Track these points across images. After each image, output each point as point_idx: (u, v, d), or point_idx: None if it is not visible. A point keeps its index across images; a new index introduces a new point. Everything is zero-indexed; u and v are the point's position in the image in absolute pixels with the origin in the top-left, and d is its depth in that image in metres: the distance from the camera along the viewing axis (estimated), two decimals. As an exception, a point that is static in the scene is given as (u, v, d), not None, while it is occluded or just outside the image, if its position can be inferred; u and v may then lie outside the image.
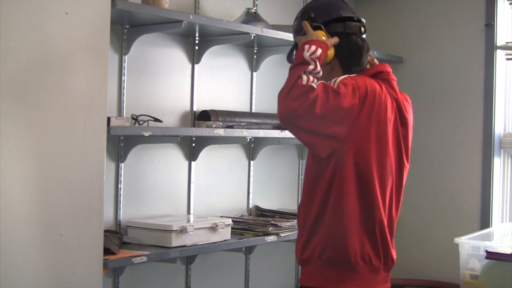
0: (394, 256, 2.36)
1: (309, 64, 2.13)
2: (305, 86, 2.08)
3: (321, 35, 2.23)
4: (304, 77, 2.10)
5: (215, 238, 3.02)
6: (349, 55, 2.29)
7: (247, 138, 3.29)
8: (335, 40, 2.25)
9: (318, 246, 2.18)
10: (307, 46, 2.14)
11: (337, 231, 2.17)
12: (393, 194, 2.29)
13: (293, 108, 2.07)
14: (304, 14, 2.33)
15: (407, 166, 2.31)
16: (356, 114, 2.11)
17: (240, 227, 3.29)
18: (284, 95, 2.10)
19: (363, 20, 2.38)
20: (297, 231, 2.33)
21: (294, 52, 2.28)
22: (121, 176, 3.01)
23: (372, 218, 2.23)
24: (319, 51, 2.15)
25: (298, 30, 2.35)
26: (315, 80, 2.11)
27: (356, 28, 2.30)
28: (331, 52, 2.23)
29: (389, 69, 2.34)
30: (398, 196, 2.33)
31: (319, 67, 2.14)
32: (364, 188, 2.17)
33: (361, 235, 2.20)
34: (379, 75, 2.29)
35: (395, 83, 2.34)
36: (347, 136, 2.11)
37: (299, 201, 2.44)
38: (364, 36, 2.34)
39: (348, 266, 2.17)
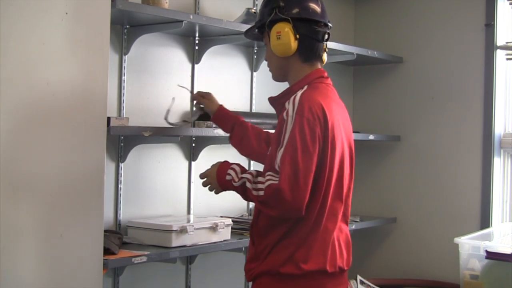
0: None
1: (244, 182, 2.19)
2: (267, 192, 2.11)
3: (286, 27, 2.24)
4: (256, 191, 2.14)
5: (215, 238, 3.02)
6: (309, 54, 2.31)
7: (247, 138, 3.29)
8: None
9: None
10: (228, 177, 2.24)
11: None
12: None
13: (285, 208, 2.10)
14: (274, 1, 2.31)
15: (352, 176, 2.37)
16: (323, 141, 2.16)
17: (240, 227, 3.29)
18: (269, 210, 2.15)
19: (330, 24, 2.35)
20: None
21: (255, 31, 2.40)
22: (121, 176, 3.01)
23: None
24: (233, 172, 2.23)
25: (264, 14, 2.34)
26: (261, 180, 2.14)
27: (320, 36, 2.30)
28: (294, 46, 2.25)
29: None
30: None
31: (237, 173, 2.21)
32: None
33: None
34: (322, 80, 2.32)
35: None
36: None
37: None
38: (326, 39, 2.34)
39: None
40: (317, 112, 2.14)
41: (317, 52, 2.31)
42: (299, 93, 2.20)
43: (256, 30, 2.46)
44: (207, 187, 2.39)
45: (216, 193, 2.38)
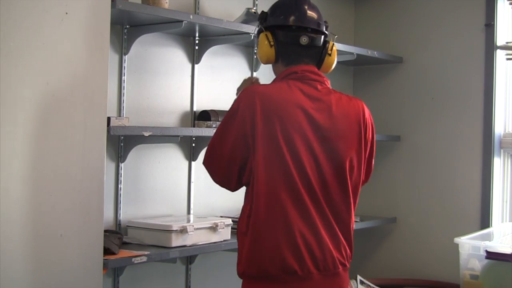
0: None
1: None
2: None
3: (262, 36, 2.32)
4: None
5: (215, 238, 3.02)
6: (288, 58, 2.33)
7: (247, 138, 3.29)
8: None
9: None
10: None
11: None
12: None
13: None
14: (262, 14, 2.39)
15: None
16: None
17: (240, 227, 3.29)
18: None
19: (321, 29, 2.34)
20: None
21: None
22: (121, 176, 3.01)
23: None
24: None
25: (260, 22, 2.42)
26: None
27: (293, 38, 2.31)
28: (270, 53, 2.32)
29: (304, 68, 2.32)
30: None
31: None
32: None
33: None
34: (292, 76, 2.30)
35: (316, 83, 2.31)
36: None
37: None
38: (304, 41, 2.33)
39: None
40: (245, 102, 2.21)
41: (297, 56, 2.32)
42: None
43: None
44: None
45: None
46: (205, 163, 2.34)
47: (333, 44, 2.37)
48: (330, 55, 2.36)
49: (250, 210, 2.22)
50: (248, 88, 2.26)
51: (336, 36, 2.46)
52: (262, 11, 2.40)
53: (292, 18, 2.31)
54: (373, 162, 2.41)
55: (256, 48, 2.44)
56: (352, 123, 2.28)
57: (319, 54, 2.34)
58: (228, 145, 2.22)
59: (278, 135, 2.16)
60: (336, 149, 2.23)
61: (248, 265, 2.20)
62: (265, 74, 3.70)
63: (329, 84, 2.34)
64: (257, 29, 2.43)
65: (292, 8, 2.33)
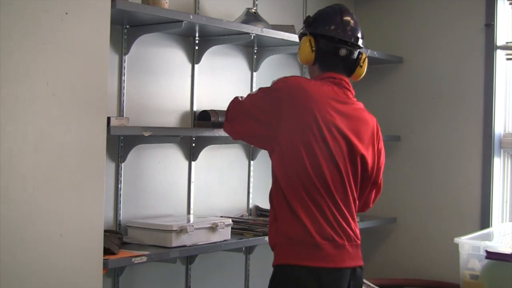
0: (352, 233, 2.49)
1: None
2: None
3: (306, 40, 2.56)
4: None
5: (215, 238, 3.02)
6: (325, 66, 2.58)
7: (247, 138, 3.29)
8: None
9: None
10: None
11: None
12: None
13: None
14: (308, 18, 2.62)
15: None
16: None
17: (240, 227, 3.29)
18: None
19: (355, 43, 2.56)
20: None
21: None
22: (121, 176, 3.01)
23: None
24: None
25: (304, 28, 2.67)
26: None
27: (334, 50, 2.54)
28: (310, 57, 2.56)
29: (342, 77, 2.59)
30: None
31: None
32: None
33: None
34: (330, 79, 2.56)
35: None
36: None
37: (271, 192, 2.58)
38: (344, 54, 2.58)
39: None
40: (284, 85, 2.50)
41: (334, 64, 2.56)
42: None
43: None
44: None
45: None
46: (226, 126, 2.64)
47: (366, 56, 2.62)
48: (361, 66, 2.62)
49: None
50: (290, 77, 2.54)
51: (368, 50, 2.71)
52: (308, 16, 2.62)
53: (336, 30, 2.54)
54: (381, 174, 2.65)
55: (298, 49, 2.64)
56: (369, 130, 2.55)
57: (353, 65, 2.59)
58: (256, 116, 2.50)
59: (310, 122, 2.39)
60: (355, 146, 2.47)
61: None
62: (265, 74, 3.71)
63: (353, 94, 2.60)
64: (300, 31, 2.66)
65: (337, 20, 2.56)
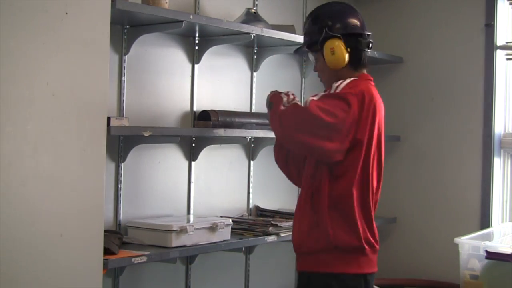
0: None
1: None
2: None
3: (338, 42, 2.48)
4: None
5: (215, 238, 3.02)
6: (358, 64, 2.55)
7: (247, 138, 3.29)
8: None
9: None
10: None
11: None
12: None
13: None
14: (322, 21, 2.54)
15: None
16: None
17: (240, 227, 3.29)
18: None
19: (370, 33, 2.58)
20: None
21: (306, 50, 2.63)
22: (121, 176, 3.01)
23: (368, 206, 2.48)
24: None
25: (314, 33, 2.56)
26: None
27: (365, 45, 2.54)
28: (347, 58, 2.49)
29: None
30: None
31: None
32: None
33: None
34: (371, 82, 2.57)
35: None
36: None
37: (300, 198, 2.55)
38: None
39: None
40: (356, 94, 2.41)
41: (364, 60, 2.57)
42: (346, 81, 2.47)
43: (305, 48, 2.67)
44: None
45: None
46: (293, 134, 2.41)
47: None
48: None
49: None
50: (363, 89, 2.43)
51: (369, 50, 2.65)
52: (323, 20, 2.53)
53: (362, 26, 2.55)
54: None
55: (314, 58, 2.60)
56: None
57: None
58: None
59: (374, 130, 2.42)
60: (382, 147, 2.52)
61: None
62: (265, 74, 3.71)
63: None
64: (320, 36, 2.52)
65: (358, 16, 2.56)
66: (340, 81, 2.46)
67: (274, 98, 2.52)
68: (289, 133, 2.39)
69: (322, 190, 2.40)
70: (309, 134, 2.33)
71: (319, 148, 2.34)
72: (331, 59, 2.50)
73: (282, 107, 2.43)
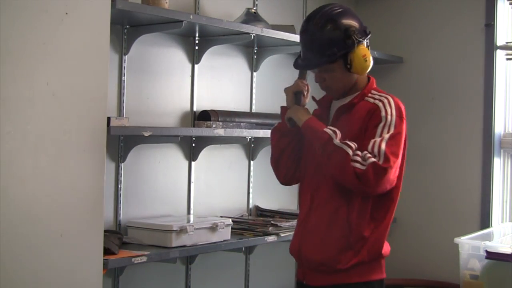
0: None
1: (344, 145, 2.27)
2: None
3: (366, 49, 2.36)
4: (354, 162, 2.23)
5: (215, 238, 3.02)
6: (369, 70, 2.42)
7: (247, 138, 3.29)
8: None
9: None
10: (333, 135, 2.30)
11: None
12: None
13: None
14: (347, 28, 2.33)
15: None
16: None
17: (240, 227, 3.29)
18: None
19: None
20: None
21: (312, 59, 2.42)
22: (121, 176, 3.01)
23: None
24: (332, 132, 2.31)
25: (339, 42, 2.32)
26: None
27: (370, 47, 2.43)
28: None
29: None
30: None
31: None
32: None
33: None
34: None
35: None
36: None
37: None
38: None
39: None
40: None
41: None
42: (389, 97, 2.37)
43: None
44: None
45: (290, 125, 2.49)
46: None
47: None
48: None
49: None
50: (399, 103, 2.36)
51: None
52: (349, 26, 2.33)
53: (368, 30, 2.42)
54: None
55: (330, 69, 2.37)
56: None
57: None
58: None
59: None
60: None
61: None
62: (265, 74, 3.71)
63: None
64: (351, 45, 2.33)
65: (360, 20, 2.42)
66: (382, 96, 2.37)
67: (310, 126, 2.37)
68: (366, 189, 2.27)
69: (364, 200, 2.35)
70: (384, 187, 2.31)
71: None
72: (364, 67, 2.34)
73: (353, 164, 2.21)
